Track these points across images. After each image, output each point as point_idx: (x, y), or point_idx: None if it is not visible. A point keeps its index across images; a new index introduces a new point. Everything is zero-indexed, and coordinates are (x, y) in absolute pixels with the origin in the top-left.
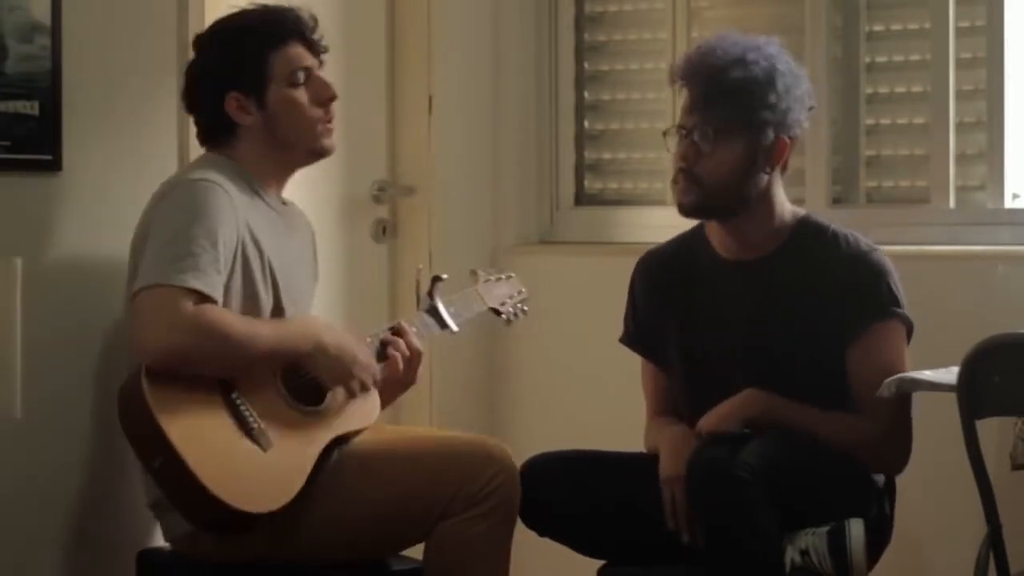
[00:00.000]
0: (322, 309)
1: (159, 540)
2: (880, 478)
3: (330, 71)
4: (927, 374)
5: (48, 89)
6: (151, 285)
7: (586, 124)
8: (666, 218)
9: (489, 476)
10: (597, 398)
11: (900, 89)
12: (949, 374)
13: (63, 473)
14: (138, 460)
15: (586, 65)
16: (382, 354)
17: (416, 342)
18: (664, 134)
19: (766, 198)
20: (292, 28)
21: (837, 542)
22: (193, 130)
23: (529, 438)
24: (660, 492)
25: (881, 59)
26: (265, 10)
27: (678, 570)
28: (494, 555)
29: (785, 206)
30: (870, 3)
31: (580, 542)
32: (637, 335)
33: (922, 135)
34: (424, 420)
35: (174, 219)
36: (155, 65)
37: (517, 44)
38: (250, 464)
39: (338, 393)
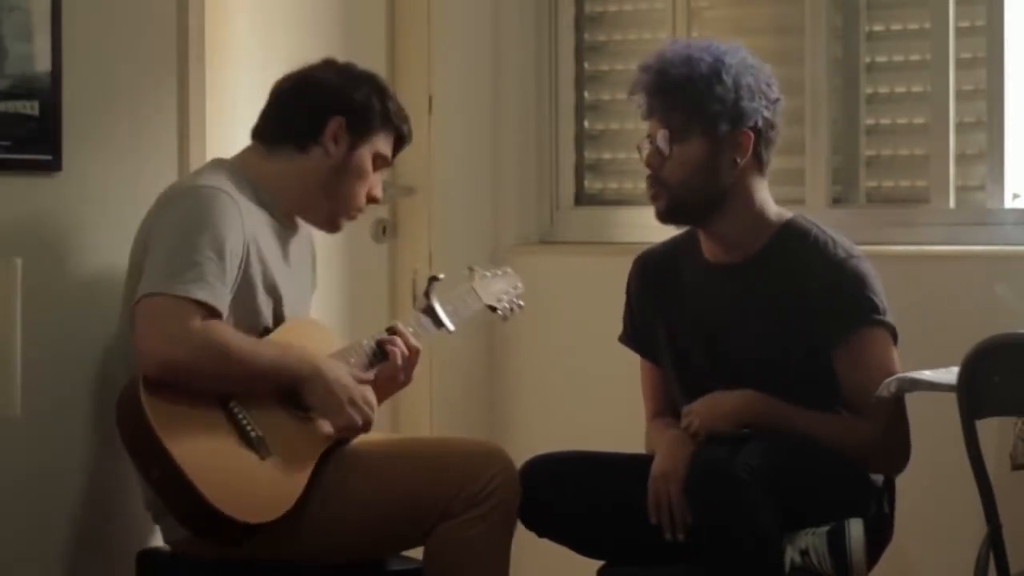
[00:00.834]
0: (322, 309)
1: (159, 541)
2: (879, 478)
3: None
4: (927, 374)
5: (48, 89)
6: (155, 293)
7: (586, 124)
8: None
9: (488, 477)
10: (597, 398)
11: (900, 89)
12: (949, 374)
13: (63, 473)
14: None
15: (586, 65)
16: (380, 354)
17: (413, 341)
18: (638, 148)
19: (742, 198)
20: (401, 127)
21: (837, 542)
22: (193, 130)
23: (529, 438)
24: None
25: (881, 59)
26: (392, 94)
27: (678, 570)
28: (493, 556)
29: (768, 208)
30: (870, 3)
31: (580, 542)
32: (634, 334)
33: (922, 135)
34: (424, 420)
35: (180, 226)
36: (155, 65)
37: (517, 44)
38: (248, 473)
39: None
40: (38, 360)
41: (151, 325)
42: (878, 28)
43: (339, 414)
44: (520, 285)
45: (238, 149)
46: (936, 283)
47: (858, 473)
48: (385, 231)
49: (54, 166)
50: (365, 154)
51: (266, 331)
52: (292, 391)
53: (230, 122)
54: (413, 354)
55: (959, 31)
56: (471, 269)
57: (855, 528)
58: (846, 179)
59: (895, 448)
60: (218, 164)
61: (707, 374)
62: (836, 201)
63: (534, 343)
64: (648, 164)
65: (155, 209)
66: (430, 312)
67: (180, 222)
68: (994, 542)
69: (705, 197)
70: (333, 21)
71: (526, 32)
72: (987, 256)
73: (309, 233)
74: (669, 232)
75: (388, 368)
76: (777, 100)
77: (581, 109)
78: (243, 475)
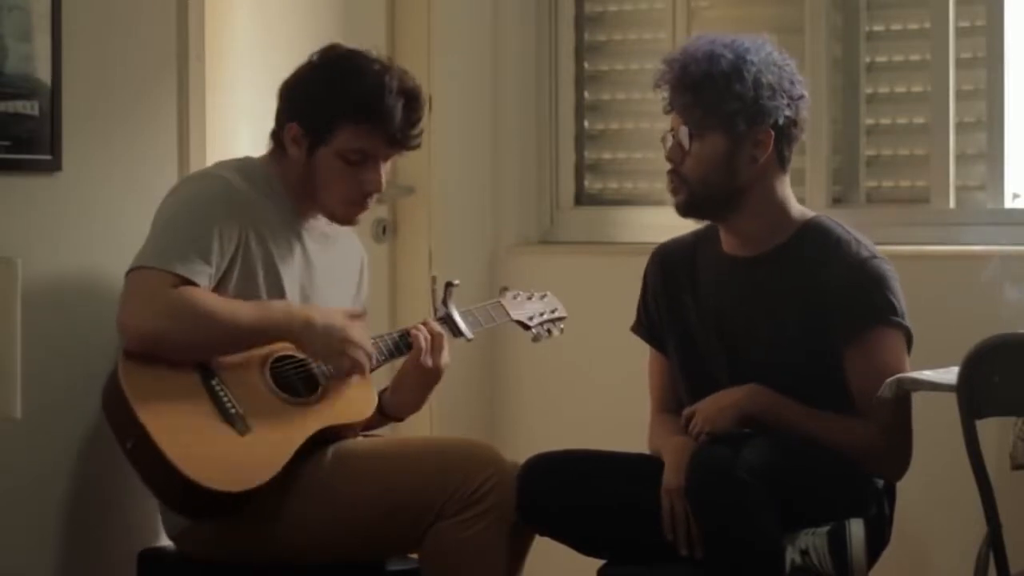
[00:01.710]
0: None
1: (159, 540)
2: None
3: None
4: (927, 374)
5: (48, 89)
6: (136, 267)
7: (586, 124)
8: (666, 218)
9: (483, 478)
10: (597, 398)
11: (900, 89)
12: (949, 374)
13: (63, 473)
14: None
15: (586, 65)
16: (403, 344)
17: (436, 327)
18: (662, 140)
19: (762, 194)
20: (377, 114)
21: (837, 542)
22: (193, 130)
23: (529, 438)
24: (660, 492)
25: (881, 59)
26: (369, 81)
27: (678, 570)
28: (490, 556)
29: (790, 205)
30: (870, 3)
31: (580, 541)
32: (647, 325)
33: (922, 135)
34: (425, 420)
35: (174, 207)
36: (155, 65)
37: (517, 44)
38: (224, 446)
39: (330, 384)
40: (38, 360)
41: (127, 298)
42: (878, 28)
43: (341, 356)
44: (559, 309)
45: (238, 149)
46: (936, 283)
47: (859, 473)
48: (385, 231)
49: (54, 166)
50: (325, 155)
51: None
52: (286, 371)
53: (230, 122)
54: (437, 338)
55: (959, 31)
56: (504, 288)
57: (855, 528)
58: (846, 179)
59: (895, 453)
60: (237, 159)
61: (718, 368)
62: (836, 201)
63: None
64: (669, 158)
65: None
66: (448, 320)
67: (173, 205)
68: (994, 542)
69: (723, 193)
70: (333, 21)
71: (526, 32)
72: (987, 256)
73: (360, 250)
74: (669, 232)
75: (414, 355)
76: (801, 97)
77: (581, 109)
78: (218, 447)
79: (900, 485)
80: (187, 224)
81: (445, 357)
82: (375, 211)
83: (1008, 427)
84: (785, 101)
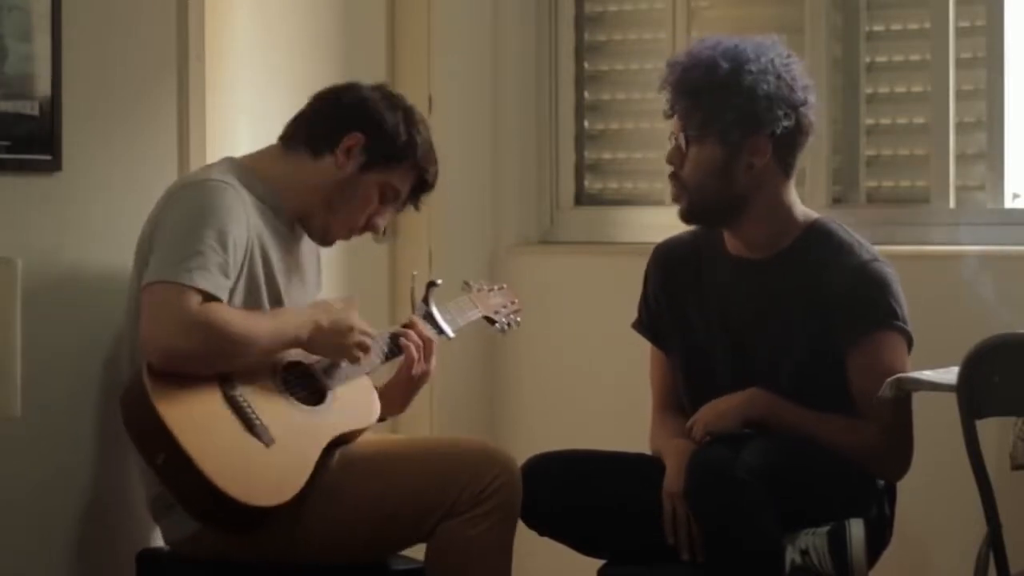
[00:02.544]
0: None
1: (159, 541)
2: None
3: (330, 71)
4: (927, 374)
5: (48, 89)
6: (157, 281)
7: (586, 124)
8: (666, 218)
9: (491, 477)
10: (597, 398)
11: (900, 89)
12: (949, 374)
13: (63, 473)
14: (141, 459)
15: (586, 65)
16: (395, 348)
17: (426, 331)
18: (669, 138)
19: (764, 200)
20: (427, 170)
21: (837, 542)
22: (193, 130)
23: (529, 438)
24: (660, 492)
25: (881, 59)
26: (427, 135)
27: (678, 570)
28: (495, 555)
29: (795, 209)
30: (870, 3)
31: (580, 541)
32: (649, 322)
33: (922, 135)
34: (425, 420)
35: (185, 217)
36: (155, 65)
37: (517, 44)
38: (254, 458)
39: (336, 391)
40: (38, 360)
41: (152, 313)
42: (878, 28)
43: (347, 351)
44: (516, 302)
45: (238, 149)
46: (936, 283)
47: (859, 473)
48: (385, 231)
49: (54, 166)
50: (374, 180)
51: None
52: (297, 376)
53: (230, 122)
54: (427, 344)
55: (959, 31)
56: (467, 283)
57: (855, 528)
58: (846, 179)
59: (896, 453)
60: (228, 161)
61: (719, 366)
62: (836, 201)
63: (534, 343)
64: (669, 161)
65: (161, 203)
66: (429, 318)
67: (185, 214)
68: (994, 542)
69: (722, 200)
70: (333, 21)
71: (526, 32)
72: (987, 256)
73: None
74: (670, 232)
75: (407, 364)
76: (804, 103)
77: (581, 109)
78: (248, 460)
79: (900, 485)
80: (204, 235)
81: (434, 361)
82: None
83: (1008, 427)
84: (783, 111)
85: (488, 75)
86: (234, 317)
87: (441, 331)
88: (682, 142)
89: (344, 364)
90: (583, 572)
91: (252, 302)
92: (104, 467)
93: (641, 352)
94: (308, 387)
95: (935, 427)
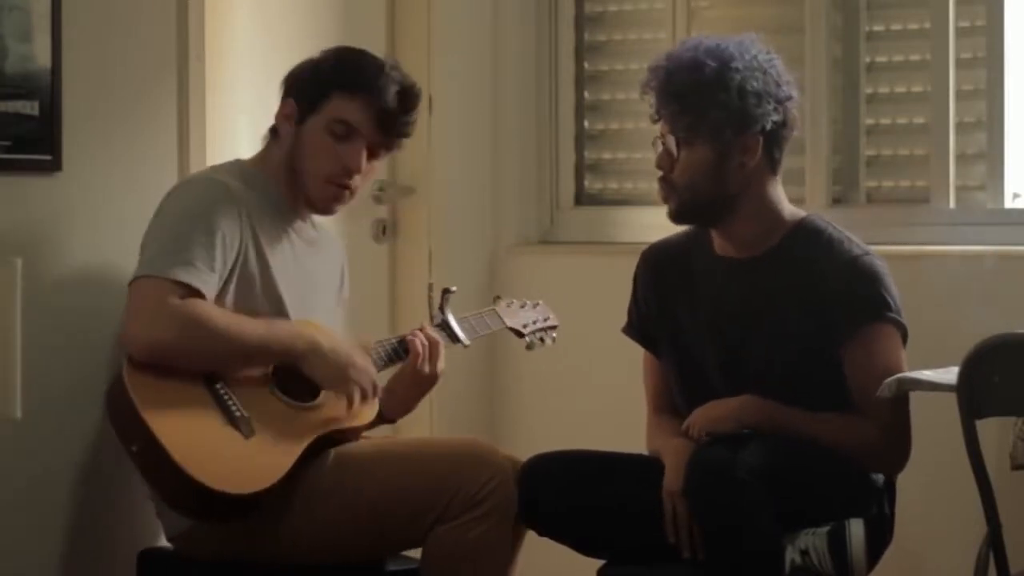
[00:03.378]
0: None
1: (159, 540)
2: (880, 478)
3: None
4: (927, 374)
5: (48, 89)
6: (141, 276)
7: (586, 124)
8: (665, 218)
9: (485, 479)
10: (597, 398)
11: (900, 89)
12: (949, 374)
13: (63, 473)
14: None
15: (586, 65)
16: (401, 350)
17: (433, 333)
18: (653, 144)
19: (753, 199)
20: (370, 88)
21: (837, 542)
22: (193, 130)
23: (529, 438)
24: (660, 492)
25: (881, 59)
26: (368, 60)
27: (678, 570)
28: (492, 558)
29: (782, 207)
30: (870, 3)
31: (580, 541)
32: (639, 326)
33: (922, 135)
34: (425, 420)
35: (174, 213)
36: (155, 65)
37: (517, 44)
38: (229, 448)
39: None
40: (38, 360)
41: (134, 307)
42: (878, 28)
43: (345, 382)
44: (551, 318)
45: (238, 149)
46: (936, 283)
47: (858, 473)
48: (385, 231)
49: (54, 166)
50: (314, 125)
51: None
52: (289, 376)
53: (230, 122)
54: (434, 345)
55: (959, 31)
56: (497, 297)
57: (855, 528)
58: (846, 179)
59: (895, 448)
60: (234, 163)
61: (712, 368)
62: (836, 201)
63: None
64: (658, 165)
65: (161, 202)
66: (445, 327)
67: (174, 210)
68: (994, 542)
69: (713, 200)
70: (333, 21)
71: (526, 32)
72: (987, 256)
73: (341, 250)
74: (667, 233)
75: (411, 361)
76: (789, 98)
77: (581, 109)
78: (223, 449)
79: (900, 485)
80: (191, 231)
81: (441, 363)
82: (375, 211)
83: (1008, 427)
84: (772, 106)
85: (488, 75)
86: (216, 313)
87: (457, 339)
88: (671, 146)
89: None
90: (583, 572)
91: (245, 302)
92: (104, 466)
93: (641, 352)
94: (302, 384)
95: (935, 427)
